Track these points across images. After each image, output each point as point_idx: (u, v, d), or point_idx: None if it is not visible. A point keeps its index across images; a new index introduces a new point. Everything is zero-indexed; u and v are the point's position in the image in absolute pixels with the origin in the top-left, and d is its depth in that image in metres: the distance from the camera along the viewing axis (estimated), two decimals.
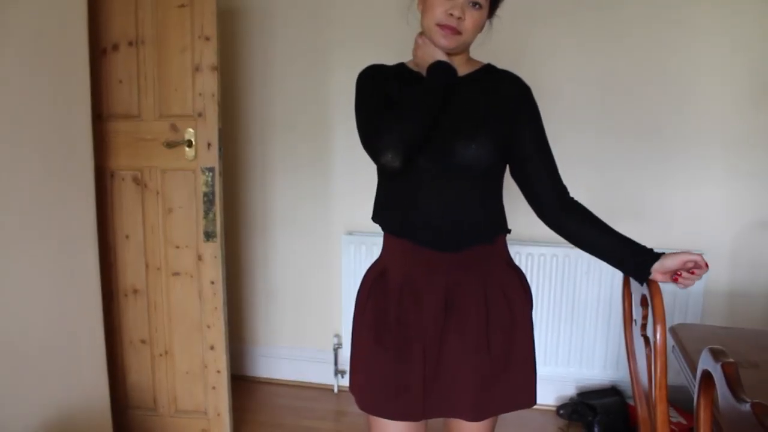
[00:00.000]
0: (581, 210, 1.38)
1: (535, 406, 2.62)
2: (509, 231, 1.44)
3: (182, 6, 2.10)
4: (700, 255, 1.29)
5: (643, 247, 1.34)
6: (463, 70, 1.39)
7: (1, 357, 1.74)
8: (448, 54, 1.35)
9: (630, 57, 2.50)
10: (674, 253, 1.30)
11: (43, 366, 1.87)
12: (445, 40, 1.31)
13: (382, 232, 1.44)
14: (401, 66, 1.44)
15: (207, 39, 2.10)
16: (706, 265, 1.30)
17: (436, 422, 1.51)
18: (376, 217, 1.44)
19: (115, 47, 2.16)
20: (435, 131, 1.30)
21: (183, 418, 2.35)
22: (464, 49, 1.39)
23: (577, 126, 2.58)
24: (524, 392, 1.41)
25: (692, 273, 1.30)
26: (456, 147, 1.31)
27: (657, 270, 1.31)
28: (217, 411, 2.32)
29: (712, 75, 2.46)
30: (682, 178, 2.54)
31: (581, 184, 2.58)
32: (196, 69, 2.13)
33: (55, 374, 1.91)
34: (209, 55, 2.11)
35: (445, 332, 1.35)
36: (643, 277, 1.33)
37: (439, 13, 1.29)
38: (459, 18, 1.29)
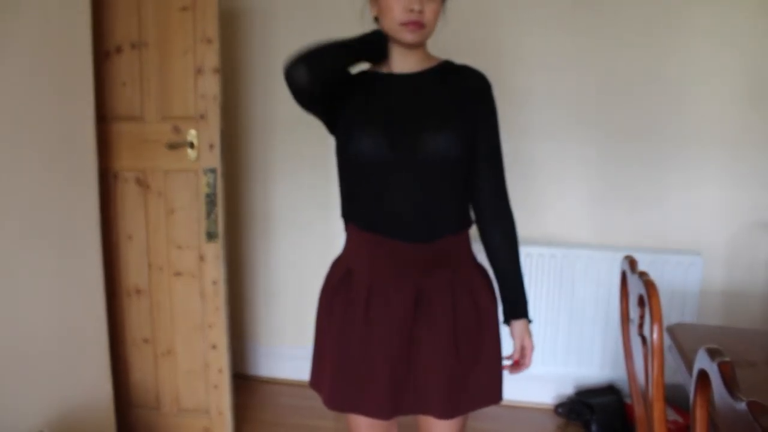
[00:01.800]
0: (507, 231, 1.45)
1: (533, 405, 2.68)
2: (471, 222, 1.47)
3: (184, 9, 2.11)
4: (529, 357, 1.48)
5: (520, 306, 1.46)
6: (422, 65, 1.41)
7: (5, 356, 1.76)
8: (411, 48, 1.37)
9: (628, 58, 2.52)
10: (516, 339, 1.47)
11: (47, 365, 1.89)
12: (412, 36, 1.32)
13: None
14: (362, 72, 1.46)
15: (209, 41, 2.11)
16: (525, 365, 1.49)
17: (411, 421, 1.52)
18: (345, 213, 1.46)
19: (119, 50, 2.18)
20: (400, 124, 1.33)
21: (185, 417, 2.37)
22: (426, 41, 1.40)
23: (575, 126, 2.60)
24: (491, 390, 1.44)
25: (516, 363, 1.48)
26: (422, 140, 1.33)
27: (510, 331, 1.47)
28: (219, 410, 2.34)
29: (710, 76, 2.47)
30: (680, 178, 2.56)
31: (579, 184, 2.62)
32: (198, 71, 2.14)
33: (59, 373, 1.93)
34: (211, 57, 2.13)
35: (415, 331, 1.37)
36: (505, 322, 1.47)
37: (398, 12, 1.30)
38: (420, 11, 1.30)
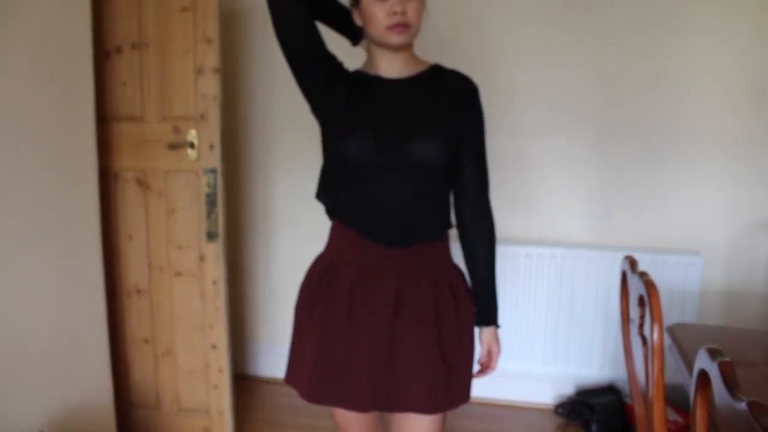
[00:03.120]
0: (487, 232, 1.46)
1: (533, 405, 2.68)
2: (451, 226, 1.48)
3: (185, 9, 2.11)
4: (495, 361, 1.51)
5: (490, 313, 1.48)
6: (410, 69, 1.42)
7: (6, 356, 1.76)
8: (397, 51, 1.38)
9: (627, 58, 2.52)
10: (484, 344, 1.50)
11: (48, 365, 1.89)
12: (399, 38, 1.34)
13: None
14: (352, 73, 1.47)
15: (209, 42, 2.11)
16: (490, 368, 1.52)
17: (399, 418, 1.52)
18: (320, 196, 1.48)
19: (119, 50, 2.18)
20: (388, 129, 1.35)
21: (185, 417, 2.37)
22: (412, 41, 1.41)
23: (575, 126, 2.60)
24: (465, 389, 1.46)
25: (481, 365, 1.51)
26: (411, 145, 1.34)
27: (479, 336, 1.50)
28: (219, 409, 2.33)
29: (709, 76, 2.47)
30: (679, 178, 2.55)
31: (579, 184, 2.62)
32: (199, 71, 2.14)
33: (59, 373, 1.93)
34: (211, 57, 2.12)
35: (397, 328, 1.38)
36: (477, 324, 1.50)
37: (382, 18, 1.32)
38: (403, 12, 1.31)
